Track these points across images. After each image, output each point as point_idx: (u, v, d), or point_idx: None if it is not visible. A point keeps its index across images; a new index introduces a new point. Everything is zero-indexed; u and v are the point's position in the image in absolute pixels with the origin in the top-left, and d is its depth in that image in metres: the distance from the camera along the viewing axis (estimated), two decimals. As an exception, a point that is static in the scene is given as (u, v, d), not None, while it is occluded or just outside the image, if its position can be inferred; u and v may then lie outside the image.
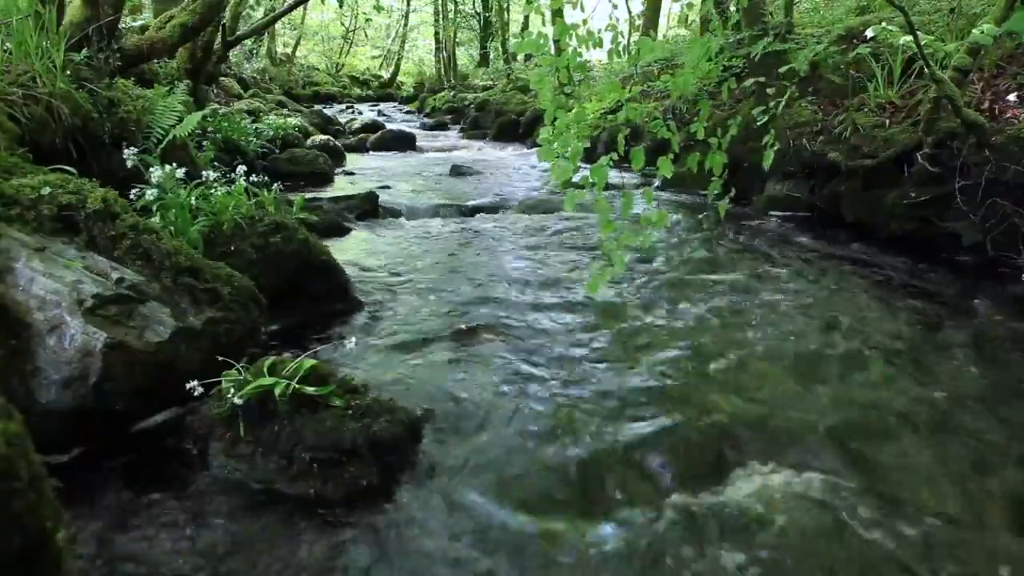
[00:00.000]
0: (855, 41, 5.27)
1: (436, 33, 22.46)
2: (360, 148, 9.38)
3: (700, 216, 4.99)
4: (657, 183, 5.93)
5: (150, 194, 2.58)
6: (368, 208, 5.06)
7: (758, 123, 2.43)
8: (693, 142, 2.27)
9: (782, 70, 2.65)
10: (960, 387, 2.32)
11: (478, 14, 23.15)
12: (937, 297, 3.21)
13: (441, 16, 21.73)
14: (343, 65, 27.43)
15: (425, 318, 2.91)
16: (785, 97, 3.22)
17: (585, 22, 2.07)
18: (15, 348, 1.73)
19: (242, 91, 12.11)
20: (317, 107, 14.00)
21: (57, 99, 2.96)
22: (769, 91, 4.35)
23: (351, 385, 1.96)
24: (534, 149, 9.37)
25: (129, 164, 2.75)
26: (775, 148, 2.22)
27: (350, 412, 1.81)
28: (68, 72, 3.20)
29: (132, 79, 4.44)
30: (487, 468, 1.83)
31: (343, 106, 17.75)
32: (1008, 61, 4.26)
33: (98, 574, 1.43)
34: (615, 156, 2.07)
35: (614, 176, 2.08)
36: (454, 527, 1.60)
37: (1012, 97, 3.93)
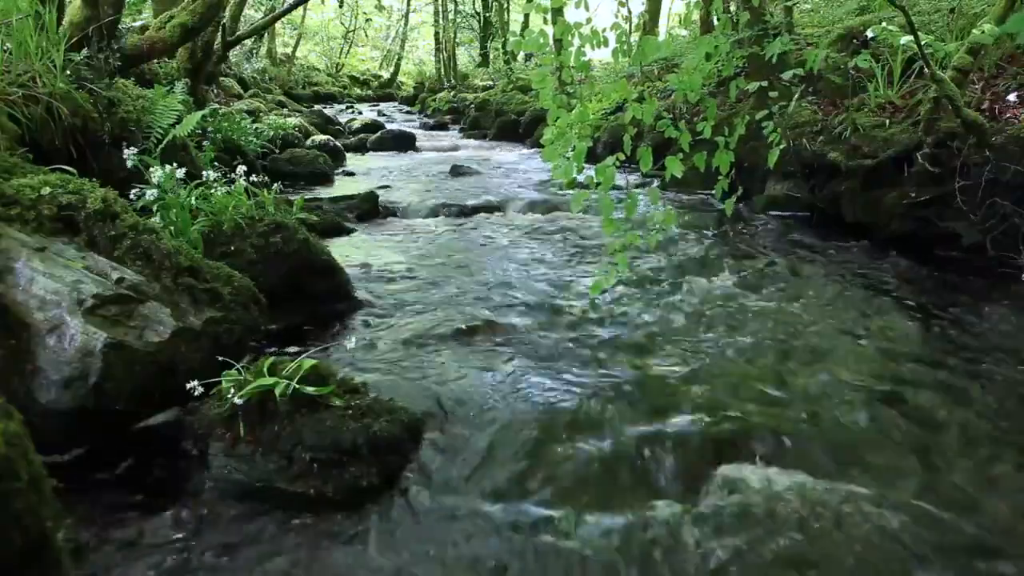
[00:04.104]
0: (855, 41, 5.27)
1: (436, 33, 22.45)
2: (360, 148, 9.38)
3: (700, 216, 4.99)
4: (656, 183, 5.93)
5: (150, 194, 2.58)
6: (368, 208, 5.06)
7: (762, 124, 2.43)
8: (693, 142, 2.27)
9: (787, 74, 2.65)
10: (961, 387, 2.32)
11: (478, 14, 23.14)
12: (937, 297, 3.21)
13: (441, 16, 21.72)
14: (343, 65, 27.41)
15: (425, 318, 2.91)
16: (795, 99, 3.22)
17: (589, 20, 2.06)
18: (15, 348, 1.73)
19: (242, 91, 12.10)
20: (317, 107, 13.99)
21: (57, 99, 2.96)
22: (772, 93, 4.35)
23: (351, 385, 1.96)
24: (534, 149, 9.36)
25: (129, 164, 2.75)
26: (780, 147, 2.21)
27: (350, 412, 1.81)
28: (68, 72, 3.20)
29: (132, 79, 4.44)
30: (487, 468, 1.83)
31: (343, 106, 17.74)
32: (1008, 61, 4.26)
33: (98, 574, 1.43)
34: (621, 156, 2.07)
35: (617, 176, 2.08)
36: (454, 527, 1.60)
37: (1012, 97, 3.93)
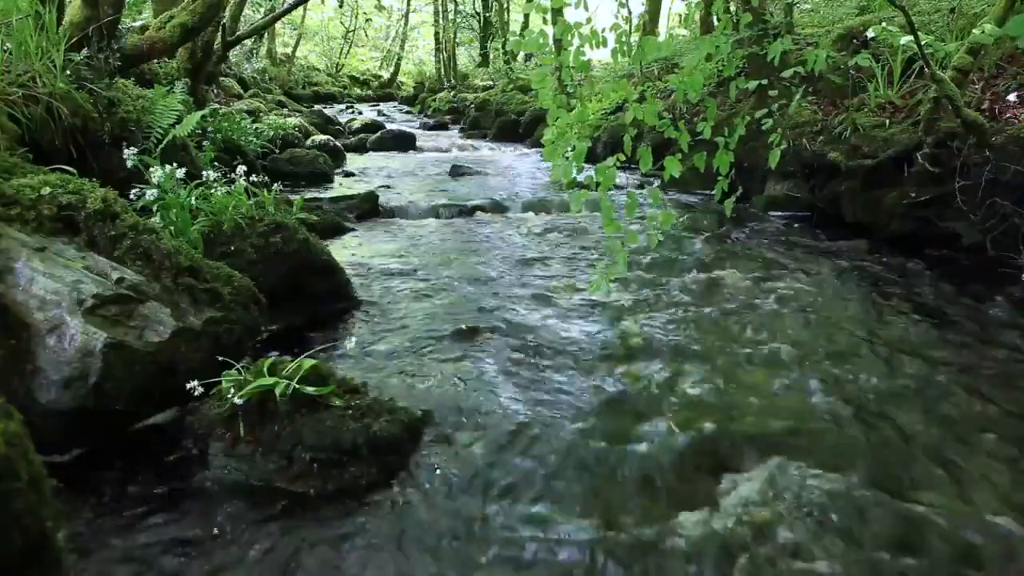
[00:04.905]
0: (855, 41, 5.27)
1: (436, 33, 22.44)
2: (360, 148, 9.37)
3: (700, 216, 4.98)
4: (656, 183, 5.93)
5: (150, 194, 2.58)
6: (368, 208, 5.06)
7: (762, 125, 2.43)
8: (694, 142, 2.26)
9: (787, 72, 2.65)
10: (961, 388, 2.32)
11: (478, 14, 23.14)
12: (937, 298, 3.21)
13: (441, 16, 21.71)
14: (343, 65, 27.40)
15: (425, 318, 2.91)
16: (796, 100, 3.21)
17: (589, 20, 2.06)
18: (15, 348, 1.73)
19: (242, 91, 12.09)
20: (317, 107, 13.98)
21: (57, 99, 2.96)
22: (771, 92, 4.35)
23: (351, 385, 1.96)
24: (534, 149, 9.36)
25: (129, 164, 2.75)
26: (781, 147, 2.21)
27: (350, 412, 1.81)
28: (68, 72, 3.20)
29: (132, 79, 4.44)
30: (487, 468, 1.83)
31: (343, 106, 17.72)
32: (1008, 61, 4.26)
33: (98, 574, 1.43)
34: (622, 156, 2.07)
35: (617, 176, 2.08)
36: (453, 527, 1.60)
37: (1012, 97, 3.93)
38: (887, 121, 4.40)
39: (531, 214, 5.27)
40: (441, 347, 2.61)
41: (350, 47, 28.26)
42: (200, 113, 4.07)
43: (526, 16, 15.62)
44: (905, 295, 3.23)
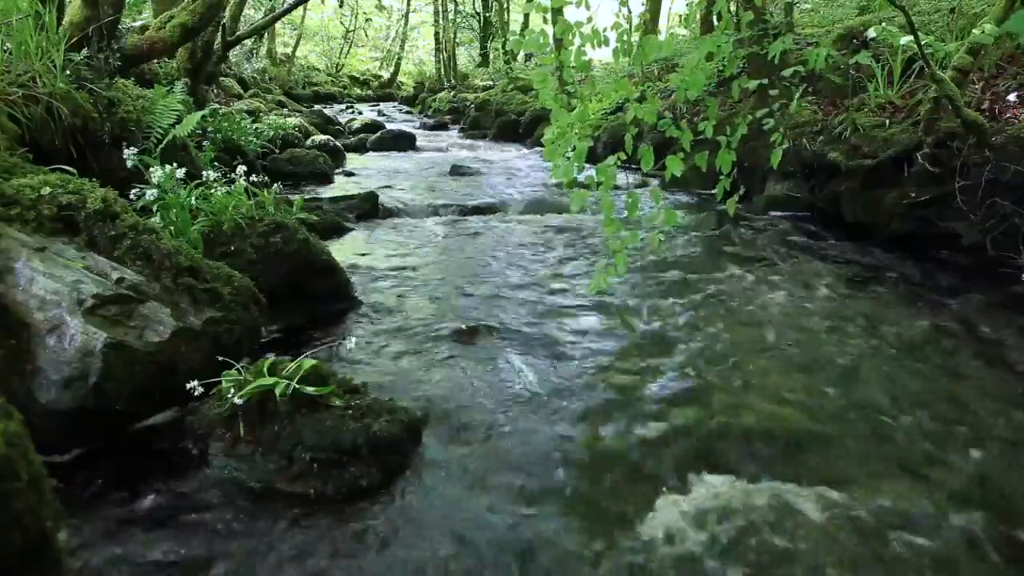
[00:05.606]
0: (855, 41, 5.28)
1: (436, 33, 22.44)
2: (360, 148, 9.37)
3: (700, 216, 4.98)
4: (657, 183, 5.93)
5: (150, 194, 2.58)
6: (368, 208, 5.06)
7: (763, 125, 2.43)
8: (694, 142, 2.26)
9: (787, 71, 2.66)
10: (960, 388, 2.32)
11: (478, 14, 23.14)
12: (937, 297, 3.21)
13: (441, 16, 21.72)
14: (343, 65, 27.40)
15: (425, 318, 2.91)
16: (796, 99, 3.21)
17: (590, 19, 2.06)
18: (15, 348, 1.73)
19: (242, 91, 12.08)
20: (317, 107, 13.96)
21: (57, 99, 2.96)
22: (772, 92, 4.35)
23: (351, 385, 1.96)
24: (534, 149, 9.35)
25: (129, 164, 2.75)
26: (783, 147, 2.21)
27: (350, 412, 1.81)
28: (68, 72, 3.20)
29: (132, 79, 4.44)
30: (487, 468, 1.83)
31: (343, 106, 17.71)
32: (1008, 61, 4.26)
33: (98, 574, 1.42)
34: (623, 156, 2.06)
35: (617, 176, 2.08)
36: (454, 527, 1.60)
37: (1012, 97, 3.93)
38: (887, 121, 4.40)
39: (531, 214, 5.27)
40: (441, 347, 2.61)
41: (350, 47, 28.25)
42: (200, 113, 4.07)
43: (526, 16, 15.62)
44: (905, 295, 3.23)
